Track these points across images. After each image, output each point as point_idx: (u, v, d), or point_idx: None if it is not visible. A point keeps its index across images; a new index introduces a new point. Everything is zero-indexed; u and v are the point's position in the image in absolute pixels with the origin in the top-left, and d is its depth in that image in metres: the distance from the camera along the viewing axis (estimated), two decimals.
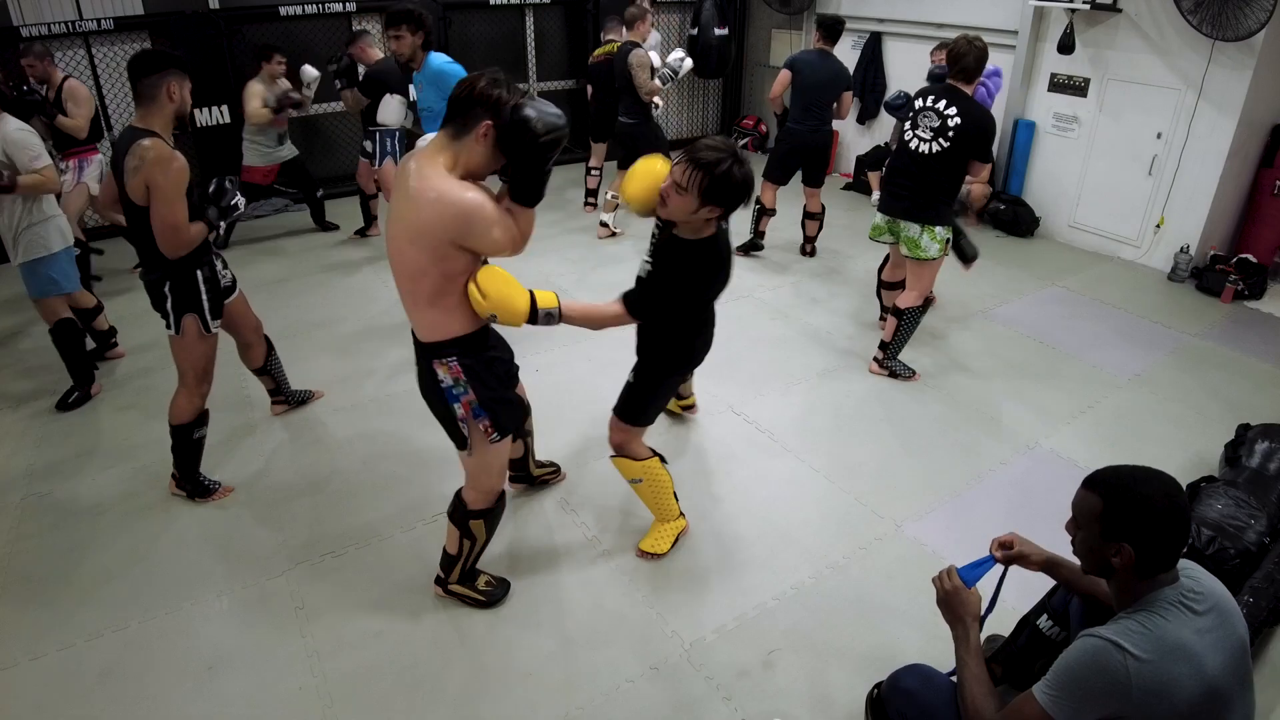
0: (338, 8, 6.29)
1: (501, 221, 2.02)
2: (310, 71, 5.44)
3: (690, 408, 3.73)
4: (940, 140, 3.59)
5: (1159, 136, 5.35)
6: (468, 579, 2.62)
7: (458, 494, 2.47)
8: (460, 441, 2.31)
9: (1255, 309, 4.99)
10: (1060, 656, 1.51)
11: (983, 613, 1.84)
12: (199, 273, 2.87)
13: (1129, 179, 5.59)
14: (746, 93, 8.75)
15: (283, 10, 6.07)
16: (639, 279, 2.43)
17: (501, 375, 2.29)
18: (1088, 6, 5.36)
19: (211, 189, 2.89)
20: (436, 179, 1.96)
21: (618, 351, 4.29)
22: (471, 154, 2.01)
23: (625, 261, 5.46)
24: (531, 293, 2.17)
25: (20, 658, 2.41)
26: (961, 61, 3.57)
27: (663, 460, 2.79)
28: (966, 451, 3.46)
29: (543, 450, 3.41)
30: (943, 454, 3.45)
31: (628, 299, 2.37)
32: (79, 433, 3.57)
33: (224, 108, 5.98)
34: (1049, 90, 5.97)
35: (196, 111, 5.93)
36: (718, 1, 7.44)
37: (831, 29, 5.09)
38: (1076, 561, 1.92)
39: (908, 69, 6.93)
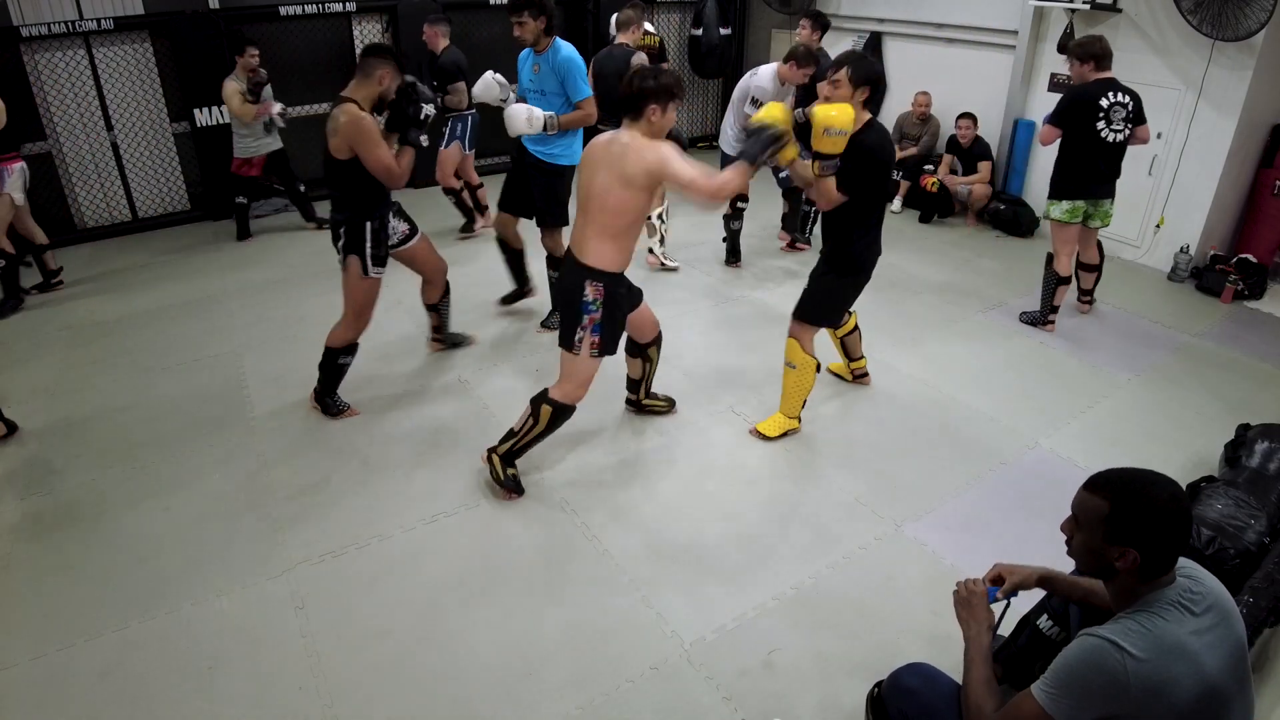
0: (338, 8, 6.29)
1: (687, 161, 2.75)
2: (275, 106, 5.58)
3: (863, 375, 3.94)
4: (1128, 126, 4.18)
5: (1159, 136, 5.34)
6: (507, 459, 3.12)
7: (546, 389, 3.04)
8: (568, 343, 2.97)
9: (1255, 309, 4.99)
10: (1059, 655, 1.51)
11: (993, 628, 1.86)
12: (368, 224, 3.33)
13: (1129, 179, 5.53)
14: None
15: (283, 10, 6.07)
16: (841, 168, 2.99)
17: (618, 317, 3.01)
18: (1088, 6, 5.36)
19: (409, 112, 3.28)
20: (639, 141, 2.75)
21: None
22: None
23: None
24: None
25: (20, 658, 2.41)
26: (1106, 49, 4.15)
27: (819, 369, 3.40)
28: (966, 451, 3.46)
29: (539, 450, 3.41)
30: (943, 454, 3.45)
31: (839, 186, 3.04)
32: (76, 435, 3.57)
33: (224, 107, 5.97)
34: (1049, 90, 5.97)
35: (196, 111, 5.94)
36: (720, 1, 7.44)
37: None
38: (1066, 571, 1.94)
39: (908, 69, 6.93)
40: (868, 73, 2.97)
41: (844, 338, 3.80)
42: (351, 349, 3.57)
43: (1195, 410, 3.82)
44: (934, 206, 6.41)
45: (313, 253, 5.71)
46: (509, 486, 3.11)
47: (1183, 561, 1.52)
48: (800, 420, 3.53)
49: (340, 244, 3.36)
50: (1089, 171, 4.30)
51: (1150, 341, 4.51)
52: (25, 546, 2.88)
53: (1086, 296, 4.85)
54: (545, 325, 4.52)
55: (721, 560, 2.83)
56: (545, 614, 2.59)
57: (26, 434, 3.54)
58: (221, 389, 3.93)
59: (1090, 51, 4.16)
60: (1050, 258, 4.52)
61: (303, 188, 6.08)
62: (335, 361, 3.56)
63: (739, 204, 5.25)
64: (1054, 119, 4.25)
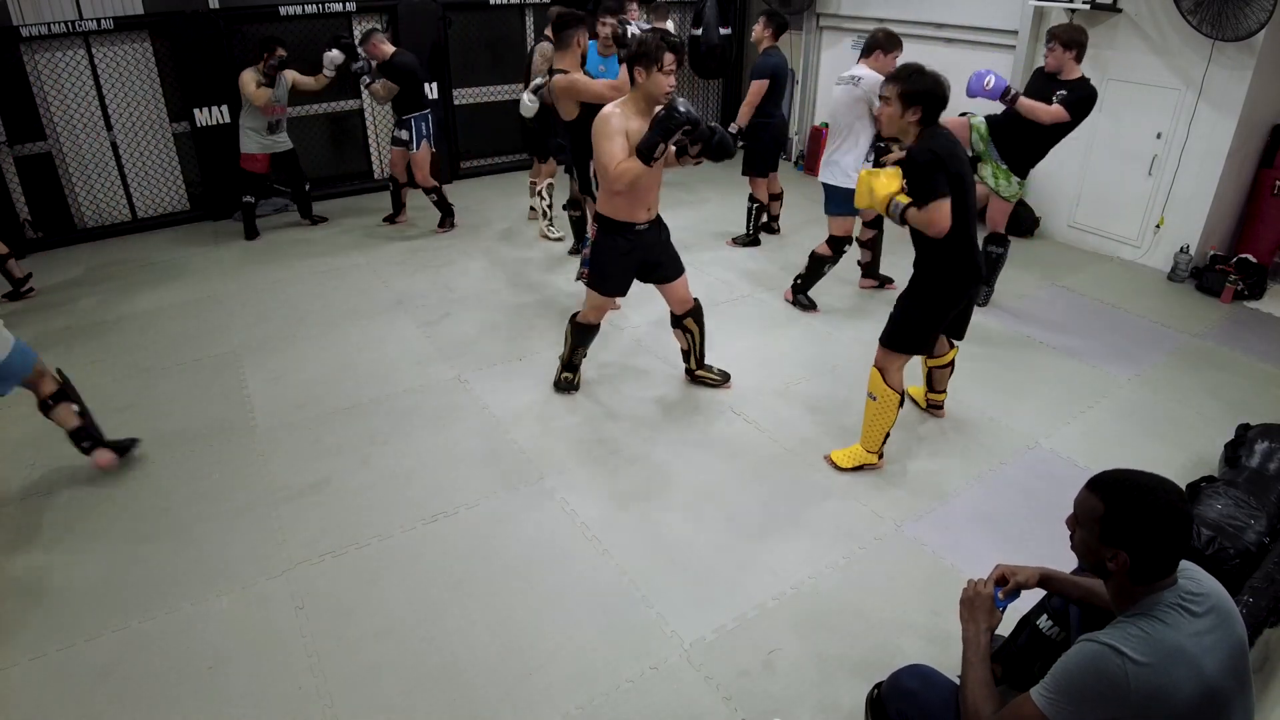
0: (338, 7, 6.29)
1: (617, 145, 3.08)
2: (335, 55, 5.61)
3: (938, 407, 3.69)
4: None
5: (1159, 136, 5.35)
6: (567, 368, 3.81)
7: (671, 311, 3.71)
8: (662, 276, 3.57)
9: (1255, 309, 4.99)
10: (1059, 660, 1.51)
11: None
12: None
13: (1129, 179, 5.59)
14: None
15: (283, 10, 6.07)
16: (908, 204, 2.91)
17: (612, 257, 3.42)
18: (1088, 6, 5.36)
19: None
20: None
21: (605, 355, 4.30)
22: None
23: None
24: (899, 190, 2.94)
25: (20, 658, 2.41)
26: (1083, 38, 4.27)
27: (902, 403, 3.23)
28: (966, 451, 3.46)
29: (532, 448, 3.42)
30: (943, 454, 3.45)
31: (914, 204, 2.90)
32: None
33: (224, 107, 5.98)
34: None
35: (196, 111, 5.94)
36: (719, 1, 7.43)
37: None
38: (1068, 571, 1.94)
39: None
40: (916, 90, 2.78)
41: (934, 369, 3.54)
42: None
43: (1195, 410, 3.82)
44: None
45: (312, 252, 5.72)
46: (558, 386, 3.83)
47: (1183, 563, 1.52)
48: (881, 456, 3.29)
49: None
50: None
51: (1150, 341, 4.51)
52: (26, 546, 2.88)
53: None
54: (574, 252, 5.28)
55: (722, 560, 2.82)
56: (545, 614, 2.59)
57: (26, 434, 3.54)
58: (221, 389, 3.93)
59: (1081, 41, 4.18)
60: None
61: (308, 187, 6.10)
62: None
63: (843, 246, 4.62)
64: (1079, 115, 4.24)
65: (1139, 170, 5.51)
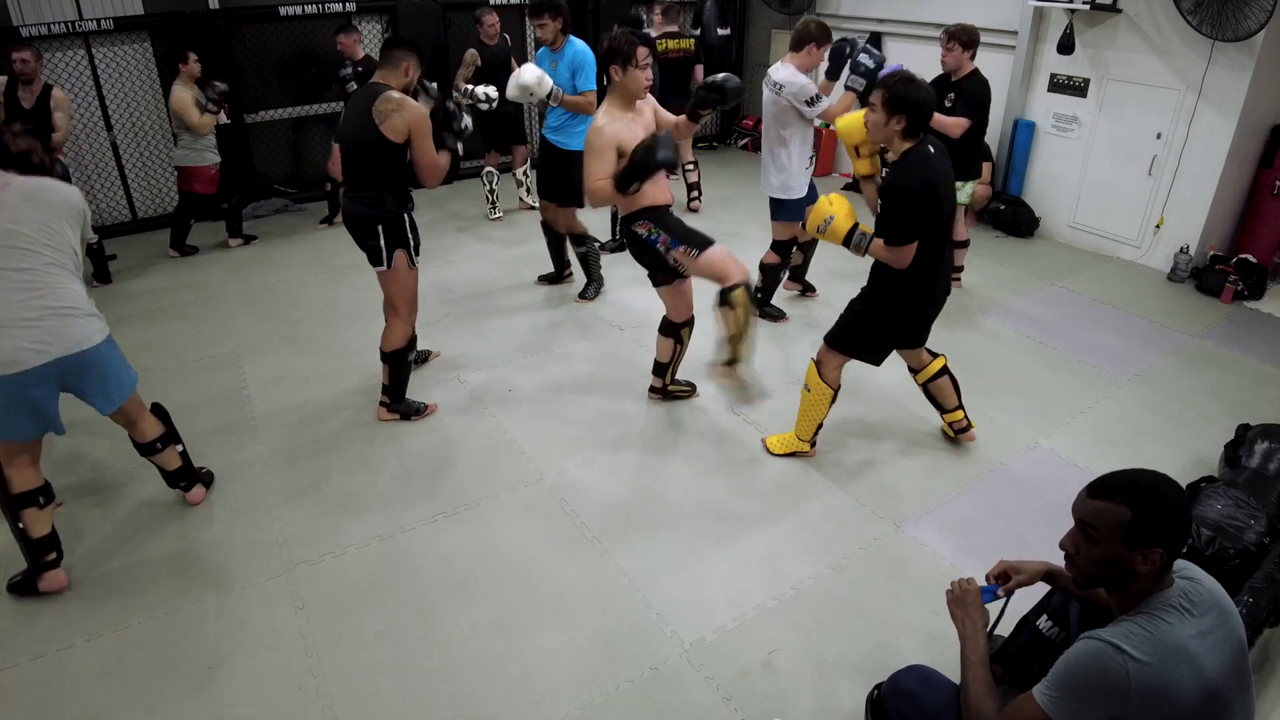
0: (338, 8, 6.28)
1: (602, 160, 3.05)
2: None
3: (964, 430, 3.46)
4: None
5: (1159, 137, 5.35)
6: (667, 377, 3.69)
7: (666, 317, 3.51)
8: (675, 275, 3.33)
9: (1255, 309, 4.99)
10: (1060, 658, 1.51)
11: (989, 628, 1.85)
12: (406, 217, 3.30)
13: (1129, 179, 5.59)
14: (747, 93, 8.74)
15: (283, 10, 6.07)
16: (878, 219, 2.86)
17: (677, 227, 3.23)
18: (1088, 7, 5.36)
19: (443, 117, 3.36)
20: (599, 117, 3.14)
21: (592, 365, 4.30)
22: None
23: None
24: (856, 223, 2.89)
25: (20, 658, 2.41)
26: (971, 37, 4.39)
27: (834, 400, 3.23)
28: (966, 451, 3.46)
29: (532, 448, 3.42)
30: (943, 454, 3.45)
31: (879, 233, 2.83)
32: (75, 435, 3.57)
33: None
34: (1049, 90, 5.97)
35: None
36: (719, 1, 7.44)
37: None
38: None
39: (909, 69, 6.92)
40: (901, 97, 2.66)
41: (926, 384, 3.34)
42: (413, 344, 3.57)
43: (1195, 410, 3.82)
44: None
45: (312, 253, 5.72)
46: (681, 394, 3.75)
47: (1182, 563, 1.52)
48: (813, 446, 3.36)
49: (381, 242, 3.24)
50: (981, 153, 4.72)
51: (1150, 341, 4.51)
52: None
53: (959, 274, 5.10)
54: (583, 296, 4.89)
55: (722, 560, 2.82)
56: (545, 614, 2.59)
57: None
58: (221, 390, 3.93)
59: (978, 40, 4.34)
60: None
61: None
62: (404, 362, 3.53)
63: (789, 250, 4.49)
64: (979, 114, 4.44)
65: (1139, 170, 5.52)
